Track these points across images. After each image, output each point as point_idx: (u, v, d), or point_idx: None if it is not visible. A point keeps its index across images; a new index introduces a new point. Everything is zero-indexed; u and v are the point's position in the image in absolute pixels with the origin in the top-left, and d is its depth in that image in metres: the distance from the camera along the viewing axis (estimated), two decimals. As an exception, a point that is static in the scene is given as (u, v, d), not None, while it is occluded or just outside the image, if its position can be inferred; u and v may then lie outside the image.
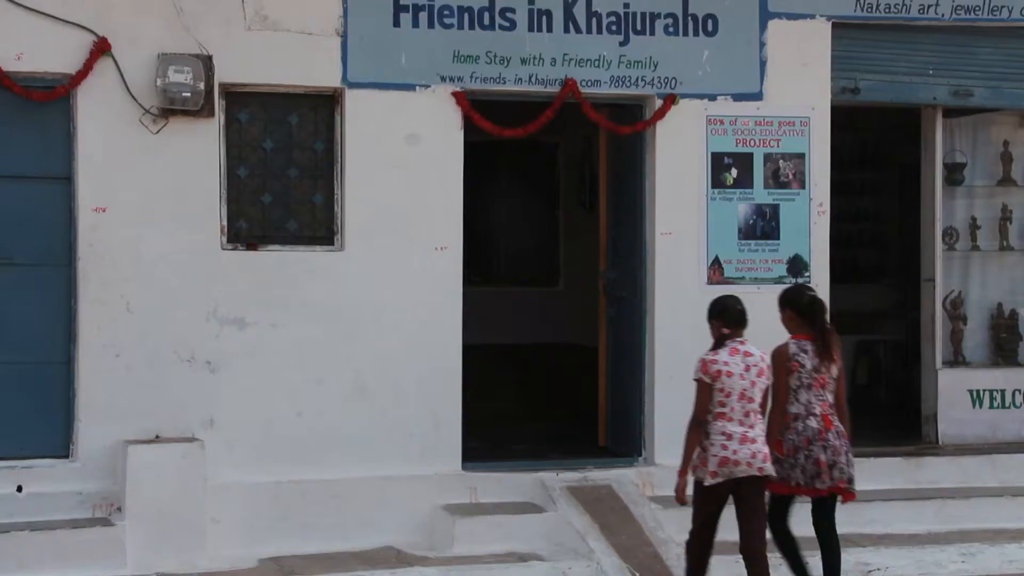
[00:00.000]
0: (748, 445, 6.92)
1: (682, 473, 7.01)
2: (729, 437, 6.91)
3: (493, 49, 9.20)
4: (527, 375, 12.27)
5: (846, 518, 9.09)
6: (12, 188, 8.47)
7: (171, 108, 8.48)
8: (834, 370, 7.34)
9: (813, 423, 7.23)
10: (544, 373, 12.27)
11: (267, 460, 8.74)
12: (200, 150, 8.67)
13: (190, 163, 8.65)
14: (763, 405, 7.08)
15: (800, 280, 9.68)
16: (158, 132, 8.56)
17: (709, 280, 9.58)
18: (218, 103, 8.70)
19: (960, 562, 8.70)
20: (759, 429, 7.01)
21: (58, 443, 8.50)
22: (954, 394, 10.49)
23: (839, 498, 7.43)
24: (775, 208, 9.80)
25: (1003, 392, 10.61)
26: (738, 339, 7.04)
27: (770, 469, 7.00)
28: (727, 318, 7.07)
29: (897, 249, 13.77)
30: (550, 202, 14.04)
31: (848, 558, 8.53)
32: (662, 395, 9.44)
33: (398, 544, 8.71)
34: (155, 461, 8.32)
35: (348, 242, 9.00)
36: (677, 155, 9.59)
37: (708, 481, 6.95)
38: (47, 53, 8.42)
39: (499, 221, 13.48)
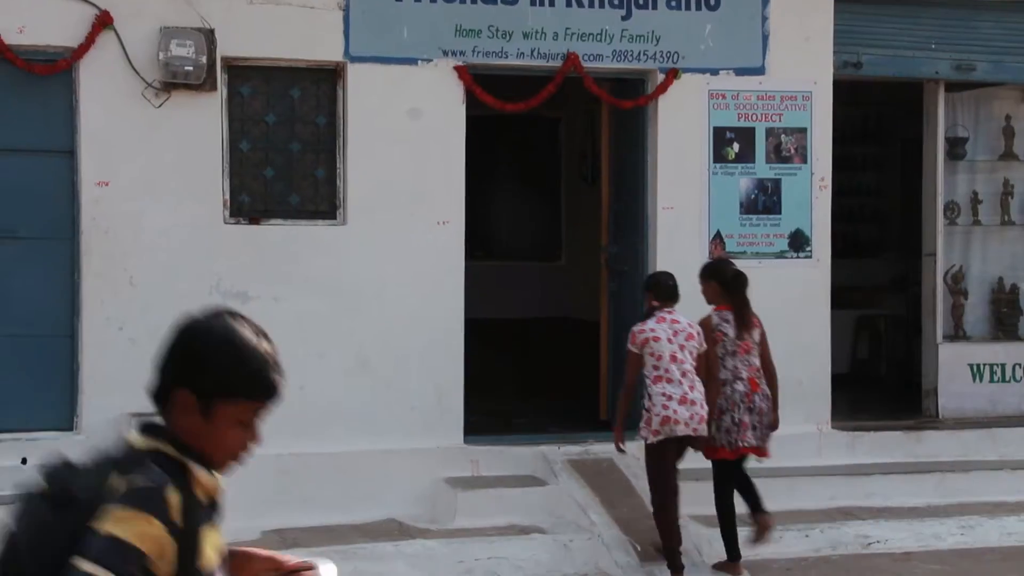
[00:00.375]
0: (688, 407, 7.38)
1: (617, 428, 7.79)
2: (670, 398, 7.39)
3: (495, 23, 9.17)
4: (529, 349, 12.29)
5: (845, 491, 9.18)
6: (15, 161, 8.48)
7: (173, 82, 8.46)
8: (756, 335, 7.71)
9: (740, 387, 7.63)
10: (546, 347, 12.29)
11: (269, 433, 8.63)
12: (202, 124, 8.67)
13: (192, 137, 8.65)
14: (699, 370, 7.49)
15: (801, 255, 9.69)
16: (160, 106, 8.56)
17: (711, 255, 9.55)
18: (220, 77, 8.69)
19: (959, 535, 8.73)
20: (699, 391, 7.42)
21: (62, 416, 8.54)
22: (954, 368, 10.50)
23: (748, 457, 7.77)
24: (777, 183, 9.79)
25: (1003, 366, 10.62)
26: (667, 310, 7.56)
27: (703, 430, 7.45)
28: (657, 291, 7.68)
29: (898, 224, 13.77)
30: (552, 177, 14.03)
31: (847, 531, 8.60)
32: (663, 369, 9.45)
33: (400, 517, 8.74)
34: (159, 434, 8.34)
35: (350, 216, 9.00)
36: (679, 129, 9.58)
37: (650, 439, 7.45)
38: (49, 26, 8.41)
39: (501, 196, 13.46)
